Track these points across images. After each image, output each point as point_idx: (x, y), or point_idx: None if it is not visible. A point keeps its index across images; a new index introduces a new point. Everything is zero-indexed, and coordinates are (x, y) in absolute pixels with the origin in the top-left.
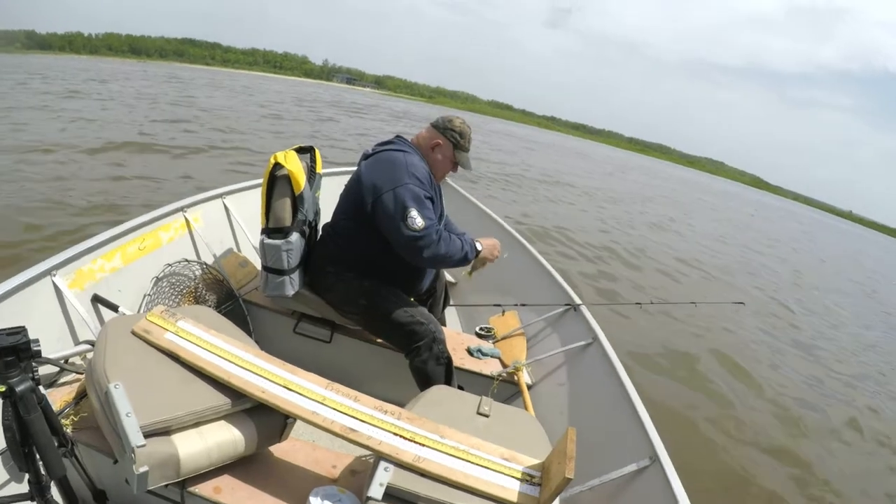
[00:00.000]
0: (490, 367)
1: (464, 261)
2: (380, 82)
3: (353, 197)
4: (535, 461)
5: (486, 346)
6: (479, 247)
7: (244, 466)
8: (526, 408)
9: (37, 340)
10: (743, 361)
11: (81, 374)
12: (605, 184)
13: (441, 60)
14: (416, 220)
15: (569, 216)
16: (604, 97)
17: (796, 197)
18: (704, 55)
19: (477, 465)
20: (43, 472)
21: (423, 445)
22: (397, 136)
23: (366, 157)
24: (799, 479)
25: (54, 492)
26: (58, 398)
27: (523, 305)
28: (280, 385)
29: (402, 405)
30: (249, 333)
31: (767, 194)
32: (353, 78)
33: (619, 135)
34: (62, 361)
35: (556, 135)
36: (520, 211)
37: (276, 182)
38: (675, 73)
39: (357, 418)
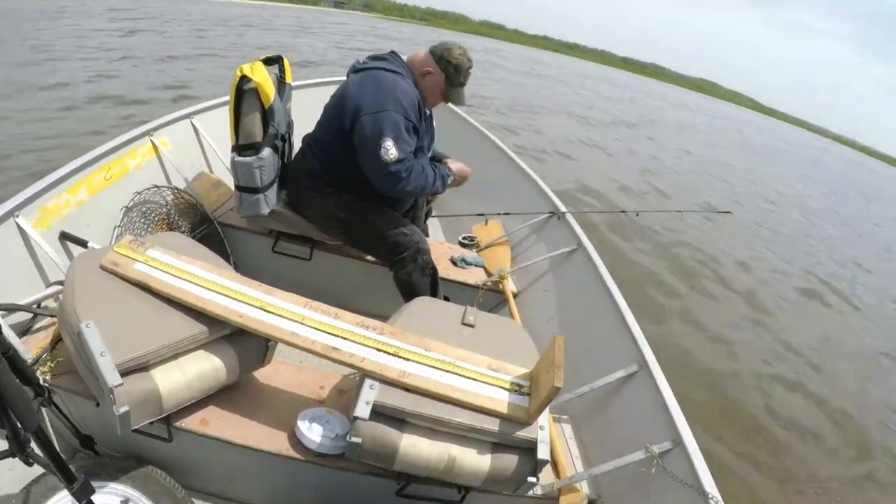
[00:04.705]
0: (475, 277)
1: (433, 193)
2: (369, 5)
3: (337, 112)
4: (524, 370)
5: (470, 255)
6: (448, 180)
7: (229, 395)
8: (512, 316)
9: None
10: (728, 268)
11: (55, 317)
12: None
13: None
14: (391, 150)
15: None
16: (595, 17)
17: (798, 122)
18: None
19: (464, 377)
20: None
21: (408, 360)
22: (391, 53)
23: (355, 70)
24: (783, 383)
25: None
26: (34, 345)
27: (506, 214)
28: (257, 307)
29: (387, 320)
30: (227, 256)
31: (761, 115)
32: (341, 2)
33: (612, 55)
34: (35, 306)
35: (548, 54)
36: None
37: (244, 96)
38: None
39: (338, 336)
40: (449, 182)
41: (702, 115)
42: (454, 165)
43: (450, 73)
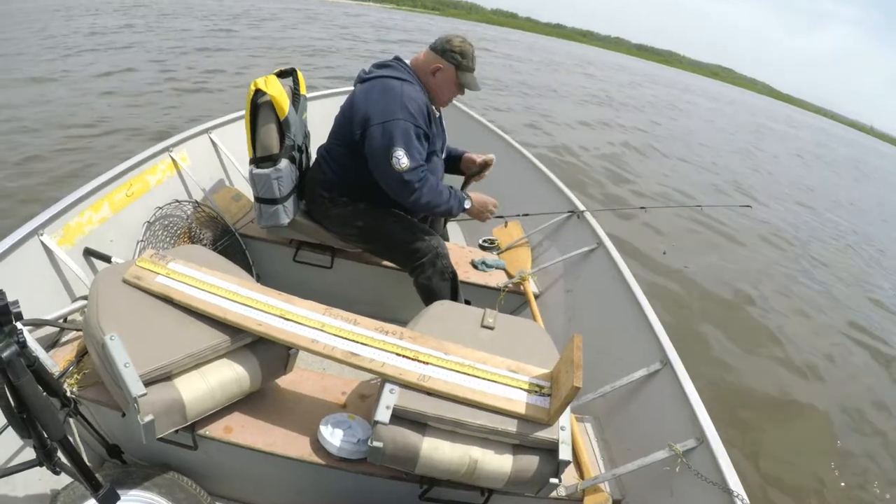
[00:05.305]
0: (496, 279)
1: (448, 213)
2: None
3: (346, 123)
4: (544, 371)
5: (491, 257)
6: (467, 205)
7: (253, 402)
8: (534, 317)
9: (16, 302)
10: (750, 265)
11: (81, 330)
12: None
13: None
14: (402, 159)
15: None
16: (605, 4)
17: (817, 110)
18: None
19: (483, 379)
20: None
21: (427, 364)
22: (396, 59)
23: (361, 80)
24: (809, 379)
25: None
26: (61, 358)
27: (526, 215)
28: (277, 316)
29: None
30: (249, 267)
31: (779, 103)
32: None
33: (626, 41)
34: (61, 321)
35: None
36: None
37: (259, 109)
38: None
39: (357, 342)
40: (466, 206)
41: (711, 101)
42: (474, 195)
43: (458, 62)
